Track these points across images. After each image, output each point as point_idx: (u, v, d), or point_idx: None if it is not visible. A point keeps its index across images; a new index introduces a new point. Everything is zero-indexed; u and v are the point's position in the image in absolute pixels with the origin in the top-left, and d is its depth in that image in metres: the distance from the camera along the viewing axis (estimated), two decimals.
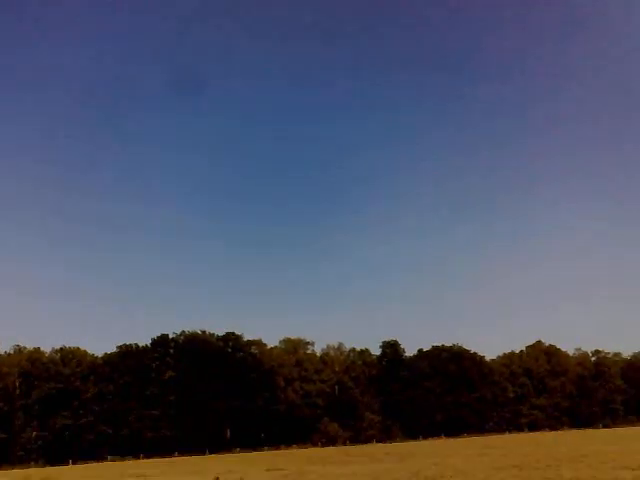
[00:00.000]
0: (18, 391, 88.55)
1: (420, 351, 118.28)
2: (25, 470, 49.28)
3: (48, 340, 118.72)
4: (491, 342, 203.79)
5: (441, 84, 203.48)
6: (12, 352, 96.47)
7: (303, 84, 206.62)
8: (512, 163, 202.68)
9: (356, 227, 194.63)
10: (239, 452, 78.99)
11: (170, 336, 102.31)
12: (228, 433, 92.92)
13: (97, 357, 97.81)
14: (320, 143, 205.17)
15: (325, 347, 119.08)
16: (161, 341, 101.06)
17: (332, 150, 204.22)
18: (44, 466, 68.55)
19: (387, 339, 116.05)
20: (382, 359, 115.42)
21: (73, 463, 66.94)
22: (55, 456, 77.54)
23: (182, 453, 76.66)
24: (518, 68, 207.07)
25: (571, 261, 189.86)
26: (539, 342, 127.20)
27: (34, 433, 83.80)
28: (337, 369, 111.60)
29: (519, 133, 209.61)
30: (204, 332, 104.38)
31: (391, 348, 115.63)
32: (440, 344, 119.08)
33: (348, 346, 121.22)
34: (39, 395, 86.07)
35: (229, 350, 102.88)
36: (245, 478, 26.24)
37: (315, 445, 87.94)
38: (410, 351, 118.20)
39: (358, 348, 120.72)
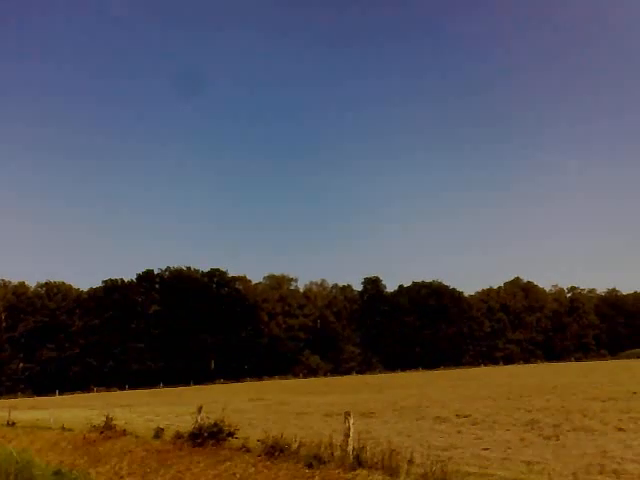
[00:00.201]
0: (4, 324, 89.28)
1: (400, 287, 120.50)
2: (12, 400, 50.13)
3: (33, 275, 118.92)
4: (470, 279, 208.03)
5: None
6: None
7: None
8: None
9: (337, 165, 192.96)
10: (223, 383, 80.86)
11: (155, 272, 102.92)
12: (212, 365, 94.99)
13: (82, 292, 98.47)
14: None
15: (308, 283, 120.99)
16: (146, 276, 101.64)
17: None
18: (31, 396, 69.78)
19: (369, 276, 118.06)
20: (363, 295, 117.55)
21: (59, 394, 68.18)
22: (42, 387, 79.00)
23: (167, 384, 78.29)
24: None
25: (551, 199, 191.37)
26: (517, 278, 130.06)
27: (21, 365, 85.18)
28: (319, 304, 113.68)
29: None
30: (189, 268, 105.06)
31: (372, 284, 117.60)
32: (420, 280, 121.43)
33: (331, 282, 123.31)
34: (25, 328, 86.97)
35: (214, 286, 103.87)
36: (228, 407, 26.92)
37: (297, 376, 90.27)
38: (391, 287, 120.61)
39: (340, 284, 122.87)
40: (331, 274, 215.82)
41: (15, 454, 12.40)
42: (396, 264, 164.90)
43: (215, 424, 12.48)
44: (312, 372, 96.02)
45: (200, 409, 13.25)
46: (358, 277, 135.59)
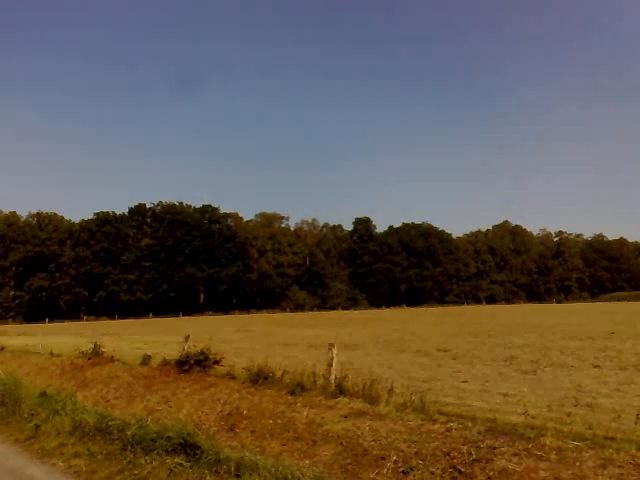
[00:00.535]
0: None
1: (390, 228, 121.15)
2: (2, 326, 50.69)
3: (24, 206, 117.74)
4: (460, 221, 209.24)
5: None
6: None
7: None
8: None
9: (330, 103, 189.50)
10: (211, 315, 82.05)
11: (147, 206, 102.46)
12: (201, 298, 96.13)
13: (74, 223, 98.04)
14: None
15: (299, 222, 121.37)
16: (138, 210, 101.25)
17: None
18: (21, 323, 70.53)
19: (360, 216, 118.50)
20: (353, 234, 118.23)
21: (49, 322, 69.04)
22: (32, 315, 79.87)
23: (156, 315, 79.37)
24: None
25: (542, 140, 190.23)
26: (506, 222, 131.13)
27: (11, 293, 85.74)
28: (309, 242, 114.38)
29: None
30: (181, 204, 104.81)
31: (363, 224, 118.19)
32: (410, 222, 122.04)
33: (322, 222, 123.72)
34: (16, 257, 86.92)
35: (205, 222, 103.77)
36: (215, 337, 27.44)
37: (284, 311, 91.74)
38: (381, 228, 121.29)
39: (331, 224, 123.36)
40: (322, 214, 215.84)
41: (3, 376, 12.61)
42: (386, 206, 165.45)
43: (202, 352, 12.71)
44: (299, 307, 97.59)
45: (187, 337, 13.41)
46: (349, 218, 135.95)
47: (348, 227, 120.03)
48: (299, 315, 74.30)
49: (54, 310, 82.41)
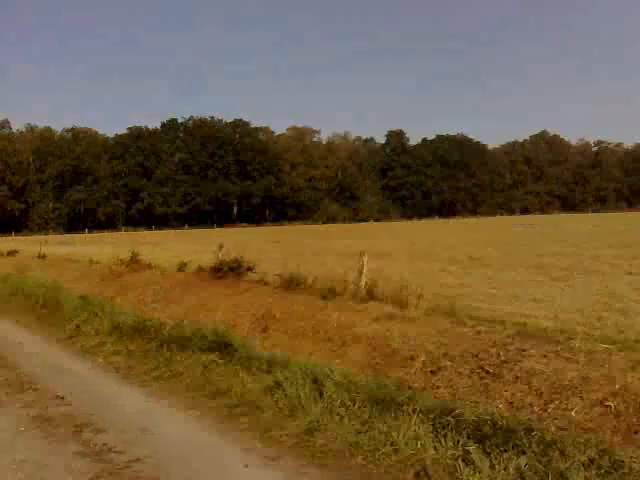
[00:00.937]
0: (32, 167, 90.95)
1: (424, 140, 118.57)
2: (43, 236, 52.33)
3: (59, 121, 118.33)
4: (496, 132, 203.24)
5: None
6: (24, 131, 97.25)
7: None
8: None
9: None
10: (244, 227, 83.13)
11: (179, 120, 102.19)
12: (234, 211, 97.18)
13: (108, 138, 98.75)
14: None
15: (331, 135, 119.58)
16: (171, 125, 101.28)
17: None
18: (61, 234, 72.61)
19: (393, 129, 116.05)
20: (386, 147, 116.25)
21: (88, 232, 71.06)
22: (71, 226, 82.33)
23: (191, 227, 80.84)
24: None
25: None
26: (544, 132, 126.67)
27: (50, 205, 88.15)
28: (341, 156, 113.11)
29: None
30: (212, 118, 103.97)
31: (396, 137, 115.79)
32: (444, 133, 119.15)
33: (354, 135, 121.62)
34: (53, 171, 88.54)
35: (237, 136, 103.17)
36: (248, 247, 27.87)
37: (316, 223, 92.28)
38: (415, 141, 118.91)
39: (364, 137, 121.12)
40: (355, 128, 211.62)
41: (45, 281, 13.12)
42: (421, 119, 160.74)
43: (235, 259, 12.93)
44: (331, 220, 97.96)
45: (221, 246, 13.60)
46: (382, 131, 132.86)
47: (381, 140, 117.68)
48: (331, 227, 74.76)
49: (93, 221, 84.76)
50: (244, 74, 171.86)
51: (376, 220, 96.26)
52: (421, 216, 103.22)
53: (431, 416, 4.94)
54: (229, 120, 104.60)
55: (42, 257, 19.73)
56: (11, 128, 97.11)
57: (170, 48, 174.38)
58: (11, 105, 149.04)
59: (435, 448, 4.65)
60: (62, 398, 6.52)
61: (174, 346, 7.78)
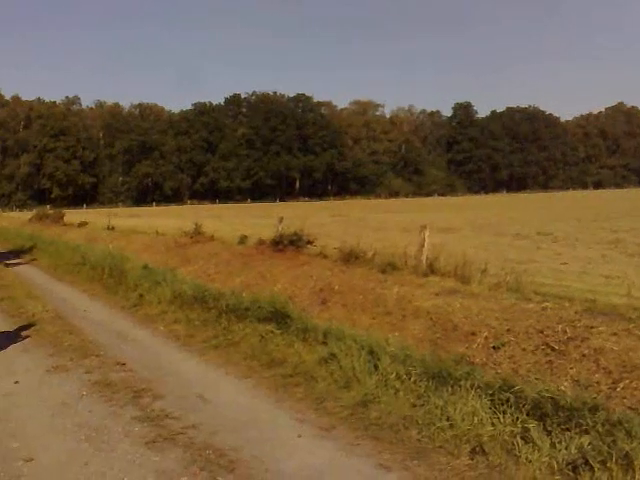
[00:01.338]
0: (102, 141, 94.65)
1: (493, 112, 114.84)
2: (113, 209, 54.42)
3: (126, 97, 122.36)
4: (571, 104, 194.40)
5: None
6: (94, 107, 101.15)
7: None
8: None
9: None
10: (306, 201, 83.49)
11: (242, 96, 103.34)
12: (297, 185, 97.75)
13: (174, 113, 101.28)
14: None
15: (395, 109, 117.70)
16: (234, 100, 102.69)
17: None
18: (130, 207, 75.24)
19: (460, 101, 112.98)
20: (452, 120, 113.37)
21: (156, 205, 73.35)
22: (139, 199, 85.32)
23: (254, 201, 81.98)
24: None
25: None
26: (620, 104, 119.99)
27: (120, 179, 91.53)
28: (405, 130, 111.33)
29: None
30: (275, 93, 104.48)
31: (463, 110, 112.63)
32: (515, 105, 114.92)
33: (418, 108, 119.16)
34: (121, 146, 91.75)
35: (299, 111, 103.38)
36: (309, 221, 27.96)
37: (378, 197, 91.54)
38: (483, 113, 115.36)
39: (429, 110, 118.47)
40: (419, 101, 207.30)
41: (112, 251, 13.57)
42: (489, 90, 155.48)
43: (295, 233, 12.93)
44: (394, 194, 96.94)
45: (281, 219, 13.63)
46: (448, 104, 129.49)
47: (447, 113, 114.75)
48: (394, 201, 74.05)
49: (160, 195, 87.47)
50: (305, 48, 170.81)
51: (441, 195, 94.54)
52: (488, 191, 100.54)
53: (489, 392, 4.77)
54: (291, 95, 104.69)
55: (111, 229, 20.45)
56: (81, 104, 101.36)
57: (232, 24, 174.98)
58: (80, 83, 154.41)
59: (493, 424, 4.50)
60: (123, 364, 6.69)
61: (232, 316, 7.86)
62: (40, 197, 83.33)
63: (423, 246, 10.94)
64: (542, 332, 5.93)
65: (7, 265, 16.55)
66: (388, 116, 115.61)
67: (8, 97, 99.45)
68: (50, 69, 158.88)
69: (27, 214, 39.24)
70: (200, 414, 5.23)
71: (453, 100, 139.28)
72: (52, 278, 14.36)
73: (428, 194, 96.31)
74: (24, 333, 8.15)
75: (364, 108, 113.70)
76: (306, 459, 4.37)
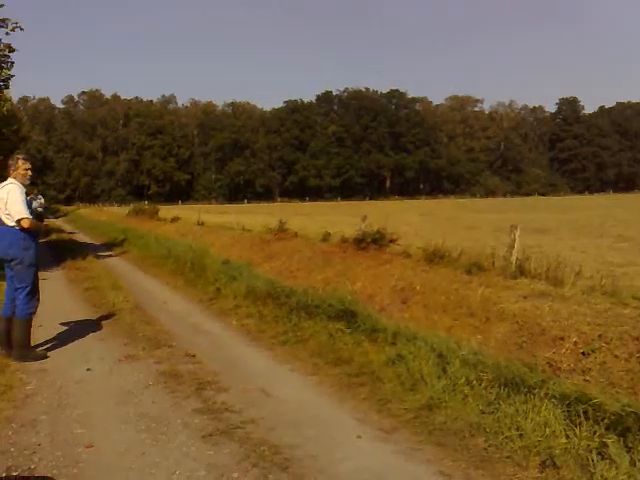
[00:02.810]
0: (196, 140, 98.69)
1: (601, 108, 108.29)
2: (206, 205, 56.49)
3: (219, 95, 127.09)
4: None
5: None
6: (189, 105, 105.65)
7: None
8: None
9: None
10: (397, 200, 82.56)
11: (334, 93, 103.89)
12: (388, 183, 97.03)
13: (265, 111, 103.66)
14: None
15: (494, 104, 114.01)
16: (325, 97, 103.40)
17: None
18: (222, 204, 77.71)
19: (565, 96, 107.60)
20: (556, 116, 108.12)
21: (247, 202, 75.33)
22: (231, 196, 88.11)
23: (344, 199, 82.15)
24: None
25: None
26: None
27: (213, 176, 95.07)
28: (505, 126, 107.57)
29: None
30: (367, 89, 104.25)
31: (568, 105, 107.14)
32: (626, 101, 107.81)
33: (520, 104, 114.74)
34: (215, 144, 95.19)
35: (392, 107, 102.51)
36: (397, 220, 27.55)
37: (473, 197, 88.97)
38: (589, 109, 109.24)
39: (531, 105, 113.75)
40: (521, 96, 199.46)
41: (193, 245, 13.95)
42: (597, 84, 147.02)
43: (378, 231, 12.71)
44: (490, 193, 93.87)
45: (364, 217, 13.46)
46: (552, 98, 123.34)
47: (550, 109, 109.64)
48: (489, 201, 71.64)
49: (251, 192, 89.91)
50: (401, 42, 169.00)
51: (541, 194, 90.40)
52: (593, 190, 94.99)
53: (565, 402, 4.41)
54: (385, 91, 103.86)
55: (201, 224, 21.11)
56: (177, 103, 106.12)
57: (333, 22, 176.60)
58: (176, 82, 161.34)
59: (567, 437, 4.15)
60: (193, 356, 6.75)
61: (303, 313, 7.78)
62: (138, 193, 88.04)
63: (513, 247, 10.37)
64: (638, 339, 5.44)
65: (98, 257, 17.46)
66: (487, 112, 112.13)
67: (108, 96, 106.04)
68: (148, 69, 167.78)
69: (125, 209, 41.45)
70: (261, 409, 5.15)
71: (557, 96, 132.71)
72: (138, 270, 14.94)
73: (527, 194, 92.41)
74: (103, 322, 8.47)
75: (461, 103, 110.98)
76: (364, 461, 4.19)
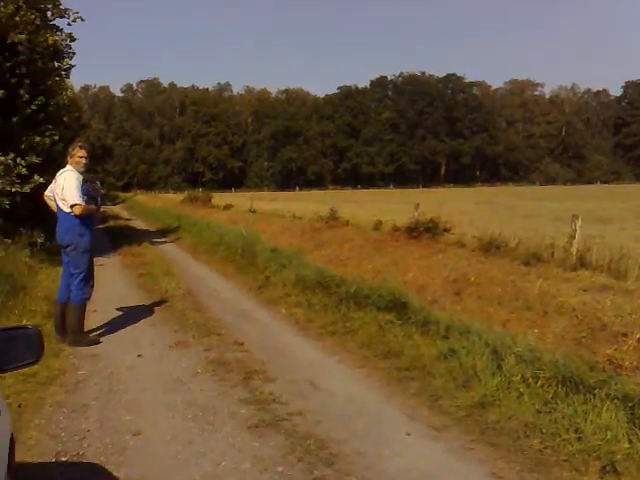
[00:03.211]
0: (250, 127, 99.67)
1: None
2: (258, 193, 57.01)
3: (273, 82, 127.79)
4: None
5: None
6: (243, 93, 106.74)
7: None
8: None
9: None
10: (452, 187, 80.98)
11: (389, 78, 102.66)
12: (442, 170, 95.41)
13: (319, 98, 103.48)
14: None
15: (556, 88, 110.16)
16: (380, 82, 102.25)
17: None
18: (274, 191, 78.18)
19: (632, 79, 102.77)
20: (622, 100, 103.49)
21: (299, 190, 75.53)
22: (283, 184, 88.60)
23: (397, 187, 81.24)
24: None
25: None
26: None
27: (265, 163, 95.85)
28: (567, 111, 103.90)
29: None
30: (423, 74, 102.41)
31: (635, 88, 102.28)
32: None
33: (583, 87, 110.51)
34: (268, 131, 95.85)
35: (449, 92, 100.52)
36: (452, 208, 26.96)
37: (532, 184, 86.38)
38: None
39: (594, 89, 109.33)
40: (584, 79, 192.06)
41: (244, 232, 14.03)
42: None
43: (431, 220, 12.43)
44: (550, 180, 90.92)
45: (417, 206, 13.25)
46: (617, 82, 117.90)
47: (615, 92, 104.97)
48: (549, 188, 69.31)
49: (303, 179, 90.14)
50: (459, 25, 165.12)
51: (604, 182, 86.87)
52: None
53: (629, 404, 4.14)
54: (441, 75, 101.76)
55: (252, 211, 21.26)
56: (232, 91, 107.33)
57: (388, 5, 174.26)
58: (231, 70, 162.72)
59: (630, 441, 3.90)
60: (241, 344, 6.75)
61: (352, 302, 7.67)
62: (193, 180, 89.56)
63: (573, 237, 9.93)
64: None
65: (153, 243, 17.84)
66: (548, 96, 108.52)
67: (165, 84, 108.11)
68: (203, 57, 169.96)
69: (180, 196, 42.20)
70: (307, 401, 5.08)
71: (623, 79, 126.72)
72: (190, 257, 15.15)
73: (590, 181, 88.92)
74: (155, 308, 8.59)
75: (521, 88, 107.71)
76: (412, 459, 4.05)
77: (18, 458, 3.69)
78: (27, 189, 11.37)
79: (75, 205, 6.38)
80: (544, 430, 4.28)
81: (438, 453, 4.15)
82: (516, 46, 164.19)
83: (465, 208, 28.14)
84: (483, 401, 4.85)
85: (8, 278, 8.16)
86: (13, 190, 11.20)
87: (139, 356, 6.34)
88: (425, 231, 12.76)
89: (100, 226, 24.24)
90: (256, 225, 16.93)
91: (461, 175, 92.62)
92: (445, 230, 12.87)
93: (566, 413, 4.34)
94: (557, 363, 4.81)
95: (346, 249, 12.78)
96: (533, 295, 7.03)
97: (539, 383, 4.78)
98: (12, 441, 2.73)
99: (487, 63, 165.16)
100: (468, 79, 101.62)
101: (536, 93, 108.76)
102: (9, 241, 10.63)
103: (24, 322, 6.74)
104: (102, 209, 8.86)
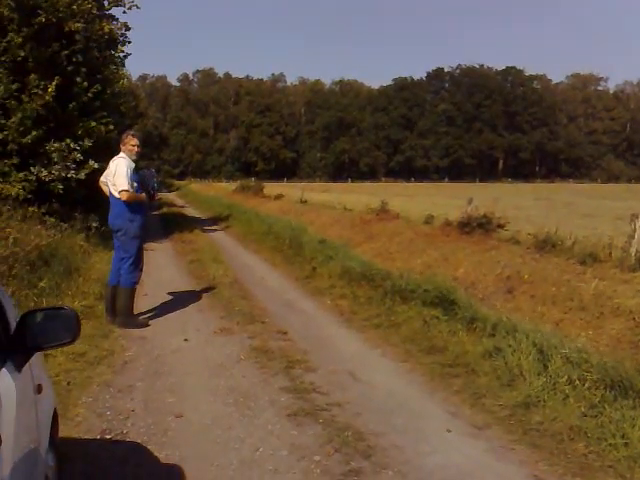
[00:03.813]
0: (303, 118, 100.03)
1: None
2: (310, 184, 57.13)
3: (328, 74, 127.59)
4: None
5: None
6: (297, 83, 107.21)
7: None
8: None
9: None
10: (510, 183, 79.01)
11: (446, 70, 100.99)
12: (500, 165, 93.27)
13: (373, 89, 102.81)
14: None
15: (621, 83, 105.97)
16: (436, 74, 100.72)
17: None
18: (326, 182, 78.17)
19: None
20: None
21: (351, 182, 75.30)
22: (336, 175, 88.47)
23: (452, 181, 79.86)
24: None
25: None
26: None
27: (318, 154, 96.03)
28: (632, 106, 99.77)
29: None
30: (482, 66, 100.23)
31: None
32: None
33: None
34: (321, 122, 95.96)
35: (508, 85, 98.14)
36: (508, 204, 26.30)
37: (594, 182, 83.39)
38: None
39: None
40: None
41: (292, 223, 14.10)
42: None
43: (484, 215, 12.18)
44: (613, 178, 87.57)
45: (470, 200, 13.00)
46: None
47: None
48: (612, 186, 66.71)
49: (355, 171, 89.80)
50: (520, 17, 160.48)
51: None
52: None
53: None
54: (500, 68, 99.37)
55: (303, 202, 21.33)
56: (286, 82, 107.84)
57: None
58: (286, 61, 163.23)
59: None
60: (285, 333, 6.79)
61: (397, 296, 7.60)
62: (246, 169, 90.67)
63: (633, 237, 9.57)
64: None
65: (204, 231, 18.16)
66: (612, 91, 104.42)
67: (221, 74, 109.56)
68: (258, 48, 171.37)
69: (232, 185, 42.75)
70: (348, 393, 5.07)
71: None
72: (239, 245, 15.31)
73: None
74: (203, 295, 8.75)
75: (584, 82, 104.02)
76: (451, 457, 3.98)
77: (65, 434, 3.85)
78: (82, 175, 11.52)
79: (122, 191, 6.56)
80: (589, 434, 4.14)
81: (478, 452, 4.07)
82: (579, 40, 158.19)
83: (522, 204, 27.34)
84: (527, 401, 4.73)
85: (63, 260, 8.47)
86: (68, 176, 11.37)
87: (185, 340, 6.47)
88: (478, 227, 12.48)
89: (155, 212, 24.86)
90: (305, 216, 17.01)
91: (520, 170, 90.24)
92: (499, 226, 12.56)
93: (613, 418, 4.18)
94: (605, 366, 4.64)
95: (395, 242, 12.68)
96: (588, 296, 6.84)
97: (586, 385, 4.63)
98: (55, 416, 2.84)
99: (549, 56, 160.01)
100: (528, 72, 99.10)
101: (599, 88, 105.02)
102: (65, 225, 10.87)
103: (76, 303, 7.00)
104: (158, 196, 9.06)
